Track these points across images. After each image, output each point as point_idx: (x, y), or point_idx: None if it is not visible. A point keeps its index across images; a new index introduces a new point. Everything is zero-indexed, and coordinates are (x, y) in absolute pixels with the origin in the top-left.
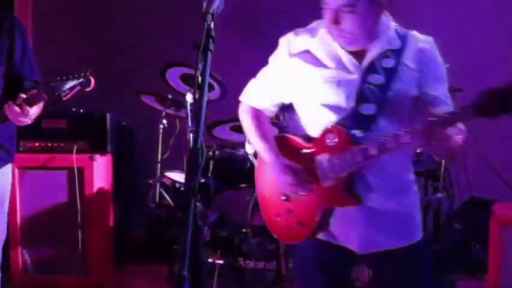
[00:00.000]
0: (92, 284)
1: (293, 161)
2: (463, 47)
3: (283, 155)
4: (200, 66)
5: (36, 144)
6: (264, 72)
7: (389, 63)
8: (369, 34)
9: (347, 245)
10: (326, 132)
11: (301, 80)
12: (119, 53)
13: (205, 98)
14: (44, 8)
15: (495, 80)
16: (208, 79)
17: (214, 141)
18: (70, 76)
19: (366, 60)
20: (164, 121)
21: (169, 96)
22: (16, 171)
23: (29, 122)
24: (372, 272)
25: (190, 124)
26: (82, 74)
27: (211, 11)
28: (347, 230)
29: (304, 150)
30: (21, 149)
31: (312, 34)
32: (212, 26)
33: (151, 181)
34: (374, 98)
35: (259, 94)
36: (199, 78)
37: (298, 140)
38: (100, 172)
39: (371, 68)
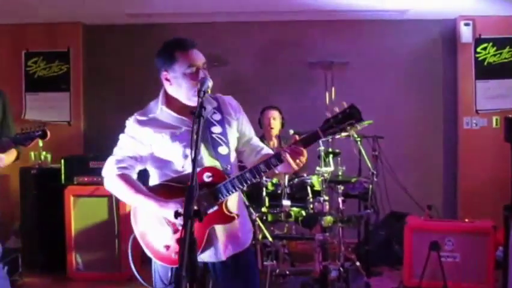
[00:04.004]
0: (125, 277)
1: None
2: (386, 105)
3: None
4: (195, 127)
5: (86, 179)
6: (119, 147)
7: (218, 116)
8: None
9: (209, 260)
10: (202, 171)
11: (157, 143)
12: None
13: (199, 150)
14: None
15: (409, 130)
16: (200, 137)
17: None
18: (32, 129)
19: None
20: None
21: None
22: (71, 198)
23: (2, 166)
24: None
25: None
26: (41, 128)
27: (203, 90)
28: (214, 245)
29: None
30: (75, 182)
31: (153, 112)
32: (204, 99)
33: None
34: (223, 142)
35: (123, 163)
36: (195, 136)
37: (173, 183)
38: None
39: (209, 122)
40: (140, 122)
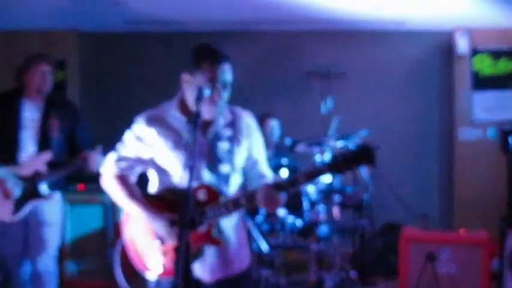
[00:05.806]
0: (118, 285)
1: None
2: (383, 116)
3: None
4: (192, 133)
5: (81, 186)
6: (123, 145)
7: (229, 132)
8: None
9: (200, 277)
10: (197, 189)
11: (159, 148)
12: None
13: (197, 154)
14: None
15: (405, 141)
16: (197, 142)
17: None
18: None
19: (213, 130)
20: None
21: None
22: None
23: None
24: None
25: None
26: None
27: (200, 100)
28: (201, 264)
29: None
30: (71, 190)
31: (164, 113)
32: (200, 109)
33: None
34: (227, 160)
35: (124, 162)
36: (192, 141)
37: (168, 195)
38: None
39: (218, 137)
40: (148, 121)
